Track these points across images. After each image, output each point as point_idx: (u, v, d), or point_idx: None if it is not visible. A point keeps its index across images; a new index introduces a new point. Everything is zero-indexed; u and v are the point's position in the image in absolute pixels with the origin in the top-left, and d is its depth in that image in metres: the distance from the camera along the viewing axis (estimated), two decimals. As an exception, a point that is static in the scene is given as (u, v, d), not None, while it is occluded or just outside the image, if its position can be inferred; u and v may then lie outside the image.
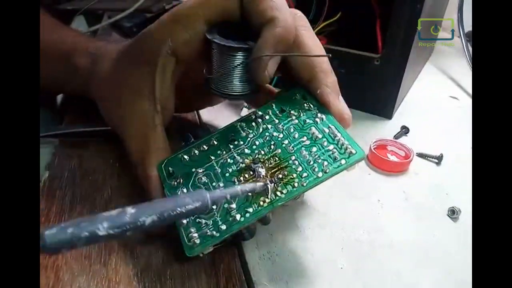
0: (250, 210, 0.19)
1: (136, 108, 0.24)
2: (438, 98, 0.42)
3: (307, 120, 0.21)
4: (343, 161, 0.19)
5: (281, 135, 0.21)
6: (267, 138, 0.22)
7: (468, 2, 0.47)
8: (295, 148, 0.21)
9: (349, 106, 0.37)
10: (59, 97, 0.39)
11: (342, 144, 0.20)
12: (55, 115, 0.36)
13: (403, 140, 0.33)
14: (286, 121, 0.22)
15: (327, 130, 0.21)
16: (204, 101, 0.31)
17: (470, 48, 0.48)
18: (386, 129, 0.35)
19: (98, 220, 0.13)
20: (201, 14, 0.22)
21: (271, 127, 0.22)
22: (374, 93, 0.36)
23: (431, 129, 0.36)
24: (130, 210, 0.14)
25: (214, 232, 0.19)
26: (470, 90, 0.44)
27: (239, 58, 0.21)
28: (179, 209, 0.15)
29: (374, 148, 0.30)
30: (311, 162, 0.20)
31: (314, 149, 0.20)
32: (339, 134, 0.20)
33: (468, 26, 0.49)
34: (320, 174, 0.19)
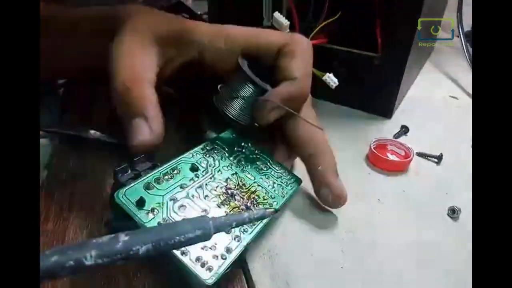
0: (248, 228, 0.20)
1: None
2: (438, 98, 0.42)
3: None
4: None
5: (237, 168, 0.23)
6: (228, 169, 0.23)
7: (467, 2, 0.47)
8: (256, 178, 0.23)
9: (349, 106, 0.38)
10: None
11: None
12: (55, 106, 0.36)
13: (402, 139, 0.33)
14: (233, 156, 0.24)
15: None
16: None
17: (470, 48, 0.48)
18: (385, 128, 0.35)
19: (86, 248, 0.12)
20: (242, 45, 0.24)
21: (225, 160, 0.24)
22: (374, 92, 0.36)
23: (431, 129, 0.36)
24: (123, 237, 0.13)
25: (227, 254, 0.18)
26: (470, 90, 0.44)
27: (252, 90, 0.24)
28: (177, 237, 0.14)
29: (374, 148, 0.30)
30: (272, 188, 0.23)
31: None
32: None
33: (467, 26, 0.49)
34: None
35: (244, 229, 0.20)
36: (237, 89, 0.24)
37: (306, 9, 0.39)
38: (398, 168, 0.29)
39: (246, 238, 0.19)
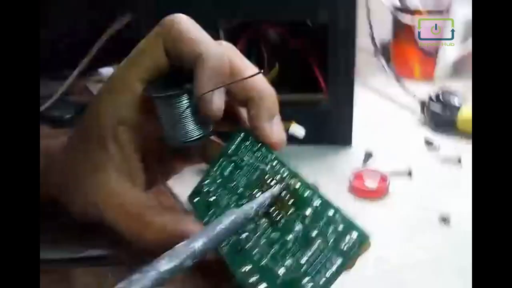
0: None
1: (102, 182, 0.22)
2: (382, 110, 0.47)
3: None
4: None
5: None
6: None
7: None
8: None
9: (310, 143, 0.40)
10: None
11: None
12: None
13: (371, 164, 0.36)
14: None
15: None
16: (176, 162, 0.28)
17: (383, 60, 0.54)
18: (350, 155, 0.38)
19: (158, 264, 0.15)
20: (134, 75, 0.22)
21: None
22: (329, 125, 0.39)
23: (390, 143, 0.39)
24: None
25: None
26: (407, 101, 0.49)
27: (183, 103, 0.21)
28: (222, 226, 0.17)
29: (353, 180, 0.32)
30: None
31: None
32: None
33: (379, 37, 0.55)
34: None
35: None
36: (170, 115, 0.21)
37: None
38: (381, 193, 0.31)
39: None
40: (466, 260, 0.24)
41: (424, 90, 0.45)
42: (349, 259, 0.16)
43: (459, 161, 0.35)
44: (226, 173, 0.22)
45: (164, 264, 0.15)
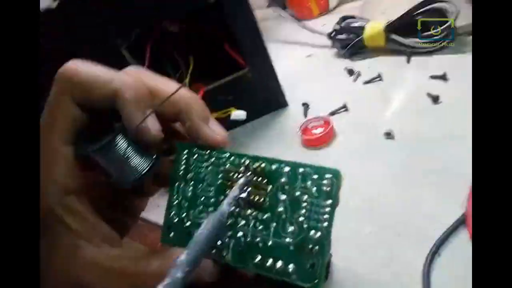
0: None
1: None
2: (299, 63, 0.49)
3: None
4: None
5: None
6: None
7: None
8: None
9: (253, 118, 0.42)
10: None
11: None
12: None
13: (311, 113, 0.39)
14: None
15: None
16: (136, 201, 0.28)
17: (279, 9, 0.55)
18: (290, 113, 0.40)
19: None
20: (57, 142, 0.21)
21: None
22: (263, 96, 0.41)
23: (318, 87, 0.42)
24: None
25: None
26: (318, 40, 0.51)
27: (120, 144, 0.21)
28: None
29: (302, 134, 0.35)
30: None
31: None
32: None
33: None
34: None
35: None
36: (113, 160, 0.21)
37: (163, 68, 0.41)
38: (328, 138, 0.34)
39: None
40: (412, 161, 0.28)
41: (328, 22, 0.48)
42: (334, 196, 0.18)
43: (380, 78, 0.39)
44: (189, 194, 0.23)
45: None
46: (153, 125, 0.21)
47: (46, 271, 0.22)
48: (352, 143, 0.33)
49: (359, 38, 0.42)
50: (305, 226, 0.19)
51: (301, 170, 0.19)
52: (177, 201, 0.23)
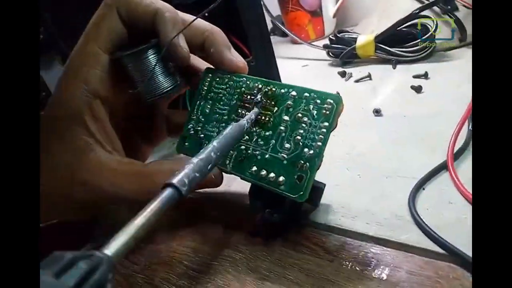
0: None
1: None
2: (297, 68, 0.54)
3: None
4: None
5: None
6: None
7: None
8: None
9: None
10: None
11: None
12: None
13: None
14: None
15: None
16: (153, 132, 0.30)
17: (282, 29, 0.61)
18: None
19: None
20: (97, 48, 0.23)
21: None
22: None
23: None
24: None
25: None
26: (313, 55, 0.57)
27: (150, 57, 0.23)
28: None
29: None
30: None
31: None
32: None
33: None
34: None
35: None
36: (142, 71, 0.23)
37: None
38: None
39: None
40: (398, 129, 0.31)
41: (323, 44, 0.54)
42: (332, 119, 0.20)
43: (370, 77, 0.43)
44: (207, 110, 0.25)
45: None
46: (184, 43, 0.23)
47: (53, 169, 0.22)
48: (346, 119, 0.35)
49: (352, 47, 0.47)
50: (300, 143, 0.21)
51: (306, 94, 0.22)
52: (196, 116, 0.26)
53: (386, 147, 0.30)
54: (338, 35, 0.49)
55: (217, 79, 0.26)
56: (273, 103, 0.23)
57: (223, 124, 0.24)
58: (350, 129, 0.33)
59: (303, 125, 0.21)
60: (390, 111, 0.35)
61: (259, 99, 0.23)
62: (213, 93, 0.25)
